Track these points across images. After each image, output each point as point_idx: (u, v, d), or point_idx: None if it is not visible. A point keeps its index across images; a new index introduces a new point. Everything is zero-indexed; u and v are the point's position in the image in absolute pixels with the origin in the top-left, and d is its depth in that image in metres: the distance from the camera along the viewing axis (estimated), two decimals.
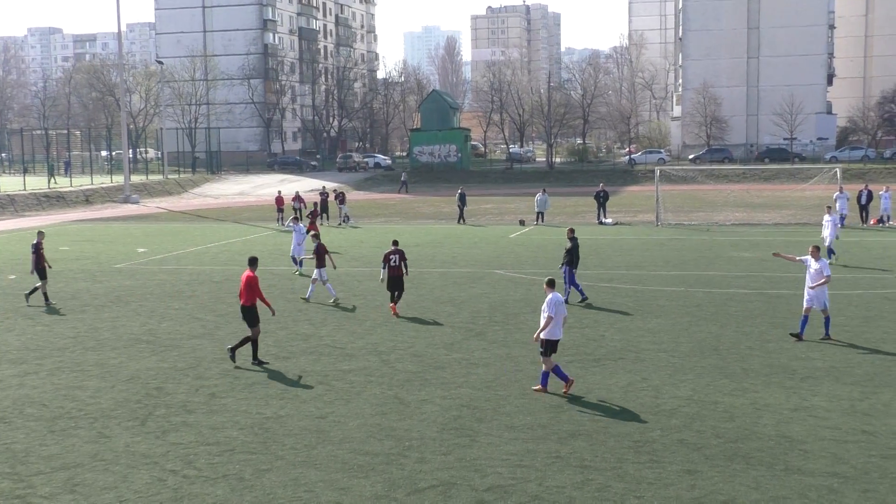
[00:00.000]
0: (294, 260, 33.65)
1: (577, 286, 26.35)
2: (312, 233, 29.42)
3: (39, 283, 27.73)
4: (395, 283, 25.22)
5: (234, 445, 14.60)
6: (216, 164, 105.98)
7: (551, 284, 17.55)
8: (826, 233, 34.24)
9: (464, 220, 52.49)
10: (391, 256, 25.13)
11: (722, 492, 12.47)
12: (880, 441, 14.38)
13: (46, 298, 27.54)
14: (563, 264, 26.36)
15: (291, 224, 35.59)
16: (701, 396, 16.86)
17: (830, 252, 33.12)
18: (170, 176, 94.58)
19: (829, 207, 36.16)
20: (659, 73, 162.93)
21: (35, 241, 28.13)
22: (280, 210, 54.00)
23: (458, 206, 52.95)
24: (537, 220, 51.48)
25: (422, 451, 14.19)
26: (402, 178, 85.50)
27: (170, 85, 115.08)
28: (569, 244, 26.39)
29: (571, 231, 26.87)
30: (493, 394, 17.26)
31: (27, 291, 27.86)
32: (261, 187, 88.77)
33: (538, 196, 52.36)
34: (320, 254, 26.96)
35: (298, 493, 12.67)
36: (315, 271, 27.13)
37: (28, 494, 12.72)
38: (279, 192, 57.64)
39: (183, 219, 60.62)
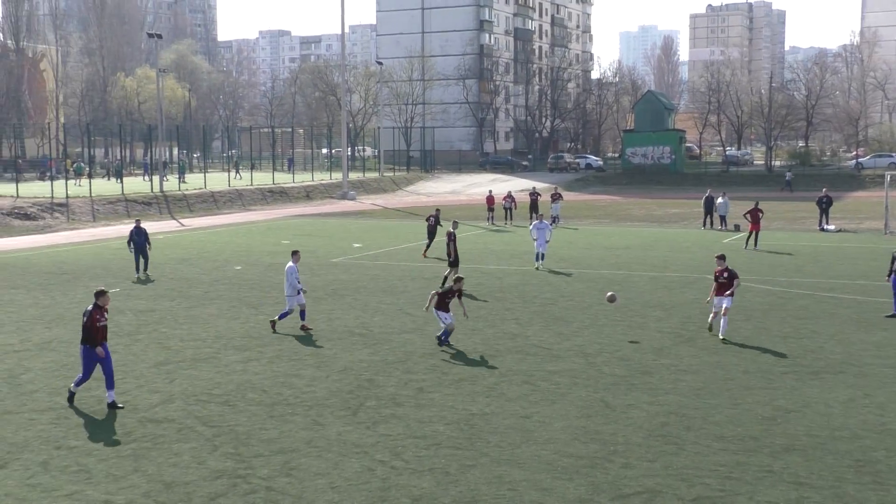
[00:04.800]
0: (538, 255, 34.01)
1: None
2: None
3: (448, 271, 29.85)
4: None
5: (441, 440, 14.84)
6: (430, 162, 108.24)
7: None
8: None
9: (711, 225, 50.92)
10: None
11: None
12: None
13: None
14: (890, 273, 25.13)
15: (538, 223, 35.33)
16: None
17: None
18: (385, 174, 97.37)
19: None
20: (893, 72, 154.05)
21: (449, 230, 30.88)
22: (491, 209, 54.49)
23: (704, 209, 51.46)
24: (714, 225, 49.76)
25: (627, 457, 13.98)
26: (787, 178, 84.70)
27: (388, 85, 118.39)
28: None
29: None
30: (701, 402, 16.80)
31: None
32: (472, 186, 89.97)
33: (720, 199, 50.29)
34: None
35: (502, 490, 12.75)
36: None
37: (248, 475, 13.39)
38: (490, 191, 58.20)
39: (396, 216, 62.27)
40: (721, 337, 21.67)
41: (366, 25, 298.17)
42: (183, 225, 54.45)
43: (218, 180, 77.96)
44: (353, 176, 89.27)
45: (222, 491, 12.81)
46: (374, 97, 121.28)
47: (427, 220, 39.32)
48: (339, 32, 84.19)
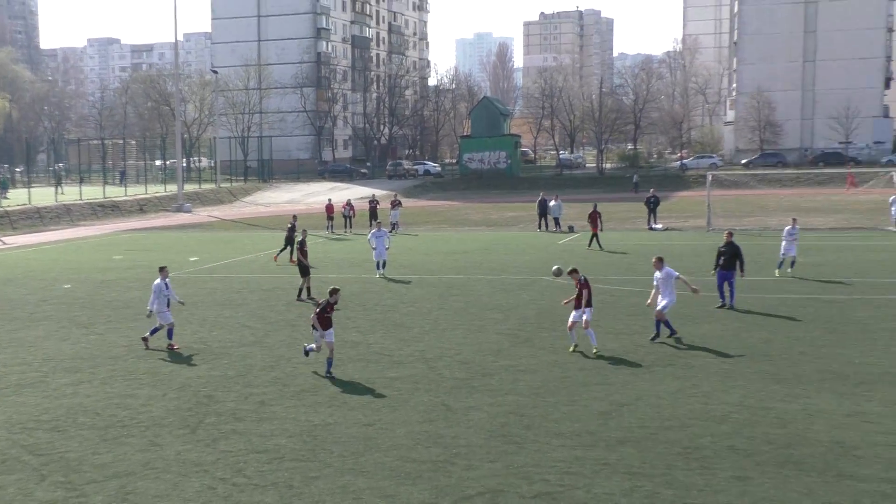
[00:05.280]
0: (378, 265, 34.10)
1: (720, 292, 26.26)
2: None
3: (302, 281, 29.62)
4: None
5: (284, 453, 14.70)
6: (268, 172, 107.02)
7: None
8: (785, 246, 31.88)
9: (546, 227, 52.00)
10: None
11: (773, 499, 12.30)
12: None
13: (309, 293, 29.38)
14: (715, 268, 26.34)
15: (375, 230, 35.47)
16: (752, 402, 16.65)
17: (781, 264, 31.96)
18: (222, 185, 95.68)
19: (795, 219, 32.92)
20: (712, 77, 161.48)
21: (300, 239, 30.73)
22: (330, 218, 54.31)
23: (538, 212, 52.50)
24: (549, 227, 51.17)
25: (469, 459, 14.18)
26: (634, 180, 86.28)
27: (224, 94, 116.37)
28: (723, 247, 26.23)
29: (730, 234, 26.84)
30: (540, 401, 17.20)
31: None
32: (311, 195, 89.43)
33: (552, 202, 51.73)
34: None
35: (346, 500, 12.72)
36: None
37: (82, 503, 12.91)
38: (329, 199, 58.01)
39: (234, 227, 61.28)
40: (595, 349, 20.77)
41: (200, 33, 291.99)
42: (5, 243, 51.99)
43: (43, 195, 74.79)
44: (189, 188, 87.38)
45: None
46: (209, 107, 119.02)
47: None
48: (173, 41, 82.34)
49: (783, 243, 31.91)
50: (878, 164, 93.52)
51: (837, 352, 20.38)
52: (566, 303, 21.98)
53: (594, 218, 41.96)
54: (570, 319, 21.33)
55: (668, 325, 21.96)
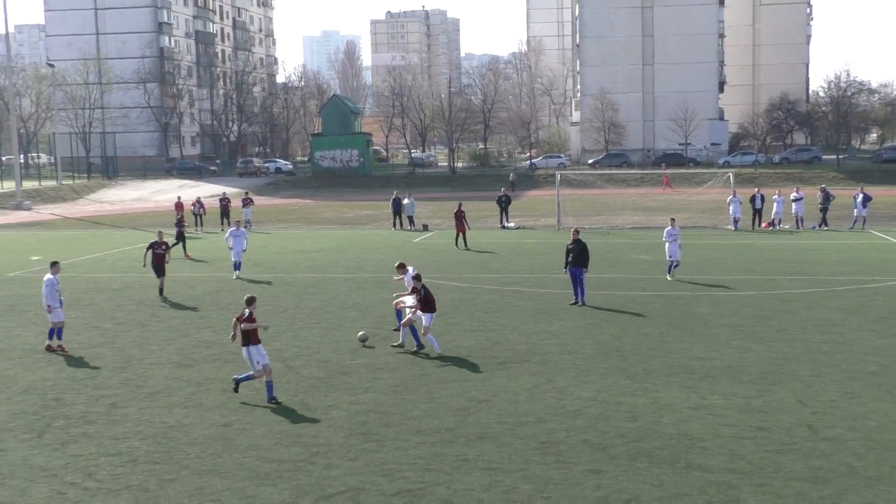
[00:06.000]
0: (236, 265, 33.38)
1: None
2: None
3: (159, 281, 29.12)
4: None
5: (137, 456, 14.33)
6: (112, 169, 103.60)
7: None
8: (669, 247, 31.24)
9: (400, 226, 51.83)
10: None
11: (626, 490, 12.73)
12: (774, 437, 14.86)
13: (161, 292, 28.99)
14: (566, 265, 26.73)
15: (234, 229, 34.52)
16: (604, 397, 17.17)
17: (673, 266, 31.36)
18: (64, 182, 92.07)
19: (673, 219, 32.41)
20: (557, 78, 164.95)
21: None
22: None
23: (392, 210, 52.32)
24: (403, 225, 51.41)
25: (329, 457, 14.14)
26: (511, 178, 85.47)
27: (62, 88, 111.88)
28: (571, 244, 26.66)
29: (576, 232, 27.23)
30: (399, 398, 17.29)
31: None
32: (159, 193, 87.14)
33: (406, 200, 51.94)
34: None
35: (205, 502, 12.52)
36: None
37: None
38: (178, 197, 56.68)
39: (79, 226, 59.13)
40: (438, 351, 20.69)
41: (33, 25, 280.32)
42: None
43: None
44: (28, 185, 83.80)
45: None
46: (46, 101, 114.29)
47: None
48: (3, 31, 78.70)
49: (666, 245, 31.24)
50: (714, 165, 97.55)
51: (683, 347, 21.20)
52: (398, 302, 21.98)
53: (459, 217, 42.16)
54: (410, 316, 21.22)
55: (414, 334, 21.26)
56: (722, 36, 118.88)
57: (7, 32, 77.66)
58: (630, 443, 14.65)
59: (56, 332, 21.66)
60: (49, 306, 21.64)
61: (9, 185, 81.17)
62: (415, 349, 20.98)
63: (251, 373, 17.27)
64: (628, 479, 13.14)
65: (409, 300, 21.27)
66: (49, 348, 21.62)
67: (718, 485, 12.89)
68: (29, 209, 72.33)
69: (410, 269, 22.38)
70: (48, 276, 22.15)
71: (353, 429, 15.52)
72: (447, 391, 17.72)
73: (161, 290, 28.98)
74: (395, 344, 21.24)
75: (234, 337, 17.61)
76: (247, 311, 17.41)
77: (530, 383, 18.24)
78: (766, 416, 15.91)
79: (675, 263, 31.30)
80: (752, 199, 48.42)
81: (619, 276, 32.10)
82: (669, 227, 31.34)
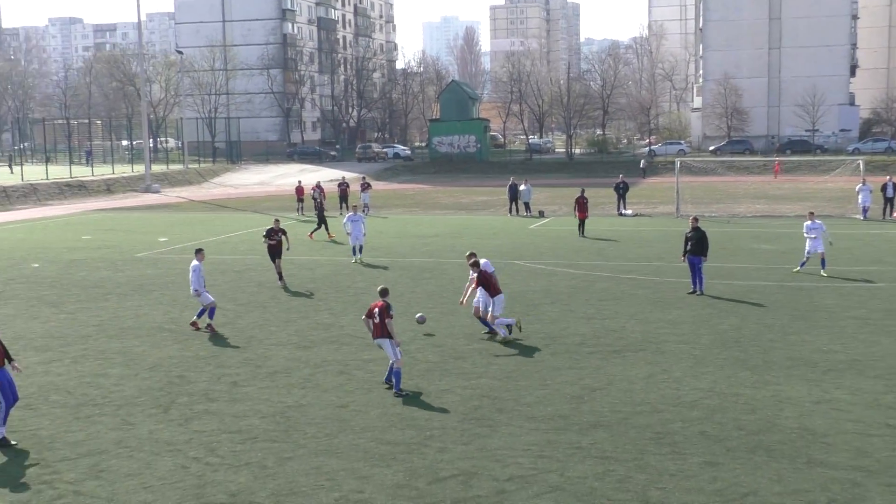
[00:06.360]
0: (354, 249, 33.80)
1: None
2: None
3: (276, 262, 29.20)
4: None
5: (257, 434, 14.69)
6: (236, 154, 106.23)
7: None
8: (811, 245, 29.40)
9: (516, 212, 51.90)
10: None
11: (743, 484, 12.45)
12: None
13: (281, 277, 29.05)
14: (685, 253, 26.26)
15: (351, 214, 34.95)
16: (722, 388, 16.83)
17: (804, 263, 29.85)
18: (190, 165, 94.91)
19: (812, 213, 31.16)
20: (679, 63, 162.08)
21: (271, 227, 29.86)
22: (300, 200, 54.02)
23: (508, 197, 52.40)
24: (519, 212, 51.13)
25: (443, 441, 14.24)
26: (642, 165, 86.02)
27: (189, 75, 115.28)
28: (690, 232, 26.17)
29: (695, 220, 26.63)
30: (513, 384, 17.29)
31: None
32: (280, 177, 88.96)
33: (522, 187, 51.65)
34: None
35: (320, 481, 12.74)
36: None
37: (54, 480, 12.85)
38: (299, 181, 57.72)
39: (203, 208, 60.86)
40: (503, 336, 20.68)
41: (163, 13, 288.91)
42: None
43: (7, 174, 73.80)
44: (157, 168, 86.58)
45: (25, 499, 12.26)
46: (175, 87, 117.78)
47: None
48: (136, 20, 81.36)
49: (807, 241, 29.43)
50: (843, 152, 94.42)
51: (806, 339, 20.60)
52: (465, 299, 21.85)
53: (581, 203, 41.69)
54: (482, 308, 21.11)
55: (486, 323, 21.25)
56: (855, 17, 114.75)
57: (140, 21, 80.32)
58: (748, 436, 14.32)
59: (209, 311, 22.24)
60: (196, 290, 22.20)
61: (139, 169, 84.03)
62: (488, 333, 21.01)
63: (393, 362, 16.95)
64: (746, 472, 12.85)
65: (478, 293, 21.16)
66: (195, 325, 22.30)
67: (842, 482, 12.49)
68: (157, 192, 74.78)
69: (483, 260, 21.90)
70: (194, 262, 22.61)
71: (466, 413, 15.58)
72: (561, 378, 17.64)
73: (280, 276, 29.08)
74: (499, 339, 20.92)
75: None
76: (389, 303, 17.20)
77: (645, 372, 18.00)
78: (895, 413, 15.33)
79: (820, 258, 29.24)
80: (884, 188, 46.74)
81: (739, 266, 31.39)
82: (809, 222, 29.39)
